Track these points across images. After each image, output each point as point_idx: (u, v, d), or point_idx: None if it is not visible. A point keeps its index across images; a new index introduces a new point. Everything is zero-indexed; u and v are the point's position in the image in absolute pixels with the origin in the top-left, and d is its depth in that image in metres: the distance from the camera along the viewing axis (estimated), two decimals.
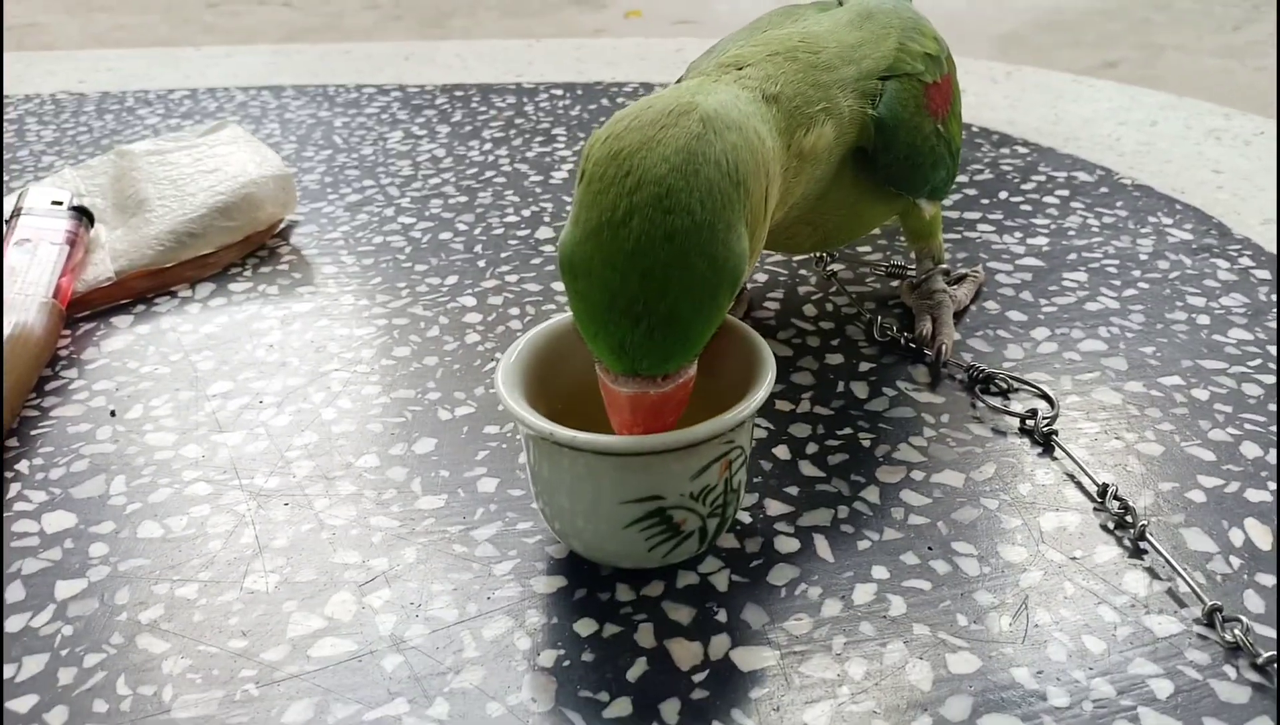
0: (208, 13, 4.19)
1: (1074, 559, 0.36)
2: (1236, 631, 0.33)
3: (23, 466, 0.43)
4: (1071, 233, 0.58)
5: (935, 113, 0.44)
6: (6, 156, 0.75)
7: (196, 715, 0.32)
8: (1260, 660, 0.32)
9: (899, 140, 0.42)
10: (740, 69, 0.37)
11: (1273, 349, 0.47)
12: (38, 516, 0.41)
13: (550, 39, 0.96)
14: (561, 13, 4.05)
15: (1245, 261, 0.55)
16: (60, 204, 0.56)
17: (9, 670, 0.34)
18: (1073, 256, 0.55)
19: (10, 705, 0.33)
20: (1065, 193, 0.62)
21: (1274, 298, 0.51)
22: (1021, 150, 0.67)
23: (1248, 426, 0.43)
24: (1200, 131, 0.70)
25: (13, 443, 0.45)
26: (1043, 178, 0.64)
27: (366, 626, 0.35)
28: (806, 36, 0.40)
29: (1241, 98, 3.03)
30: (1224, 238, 0.57)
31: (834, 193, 0.42)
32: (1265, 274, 0.53)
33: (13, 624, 0.36)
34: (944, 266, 0.51)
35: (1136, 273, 0.54)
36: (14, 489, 0.42)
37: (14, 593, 0.37)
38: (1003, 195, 0.62)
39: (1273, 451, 0.41)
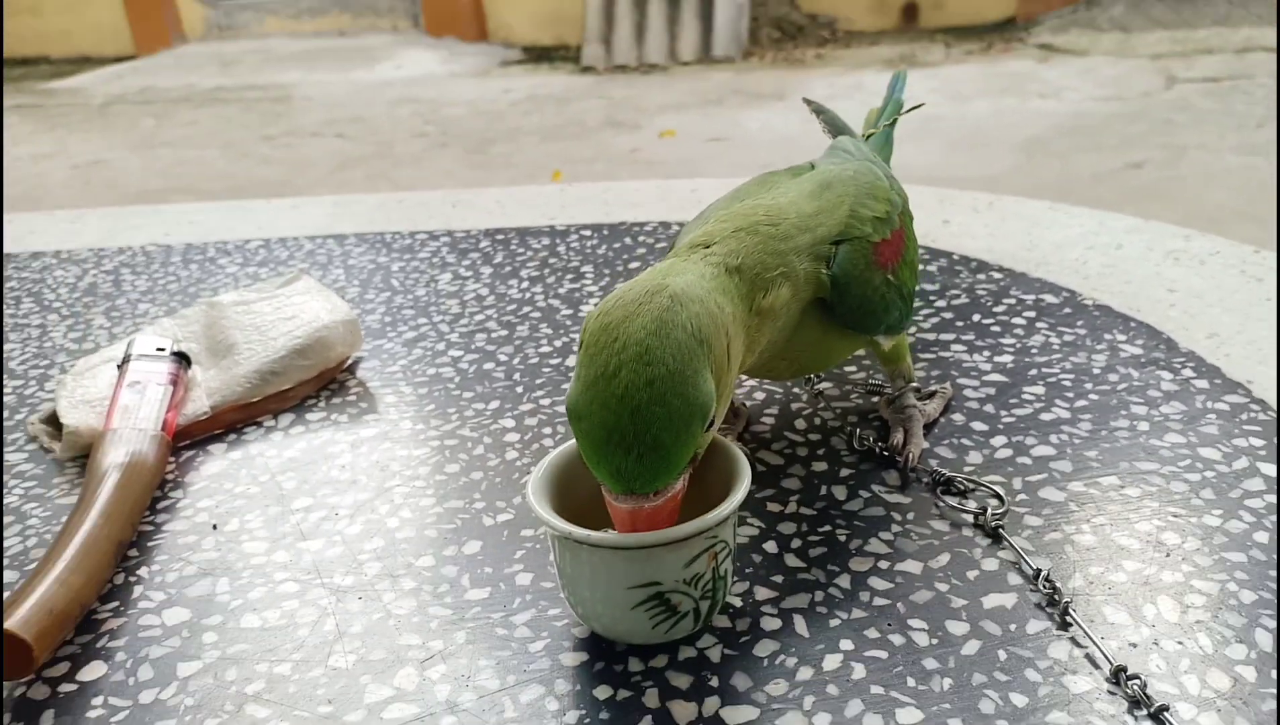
0: (264, 145, 4.44)
1: (1009, 631, 0.44)
2: (1135, 686, 0.40)
3: (143, 572, 0.52)
4: (1034, 351, 0.66)
5: (884, 265, 0.52)
6: (106, 304, 0.87)
7: None
8: (1153, 709, 0.39)
9: (851, 293, 0.50)
10: (708, 246, 0.47)
11: (1202, 451, 0.55)
12: (159, 612, 0.49)
13: (581, 182, 1.07)
14: (598, 135, 4.24)
15: (1188, 373, 0.62)
16: (163, 350, 0.66)
17: None
18: (1033, 372, 0.63)
19: None
20: (1032, 314, 0.70)
21: (1209, 404, 0.59)
22: (996, 275, 0.76)
23: (1170, 518, 0.50)
24: (1160, 253, 0.79)
25: (133, 553, 0.54)
26: (1013, 301, 0.72)
27: (426, 694, 0.43)
28: (770, 209, 0.50)
29: (1264, 193, 3.11)
30: (1170, 351, 0.65)
31: (802, 334, 0.51)
32: (1204, 383, 0.61)
33: (145, 697, 0.44)
34: (915, 384, 0.59)
35: (1089, 386, 0.62)
36: (137, 590, 0.51)
37: (145, 673, 0.46)
38: (975, 317, 0.70)
39: (1190, 538, 0.49)
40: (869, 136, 0.69)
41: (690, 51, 5.37)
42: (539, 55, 5.89)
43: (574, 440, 0.47)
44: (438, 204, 1.04)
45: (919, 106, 0.71)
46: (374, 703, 0.43)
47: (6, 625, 0.44)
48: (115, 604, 0.50)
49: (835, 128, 0.68)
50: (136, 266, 0.94)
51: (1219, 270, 0.75)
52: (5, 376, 0.75)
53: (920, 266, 0.78)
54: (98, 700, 0.45)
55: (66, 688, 0.45)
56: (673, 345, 0.39)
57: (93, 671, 0.46)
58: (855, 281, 0.50)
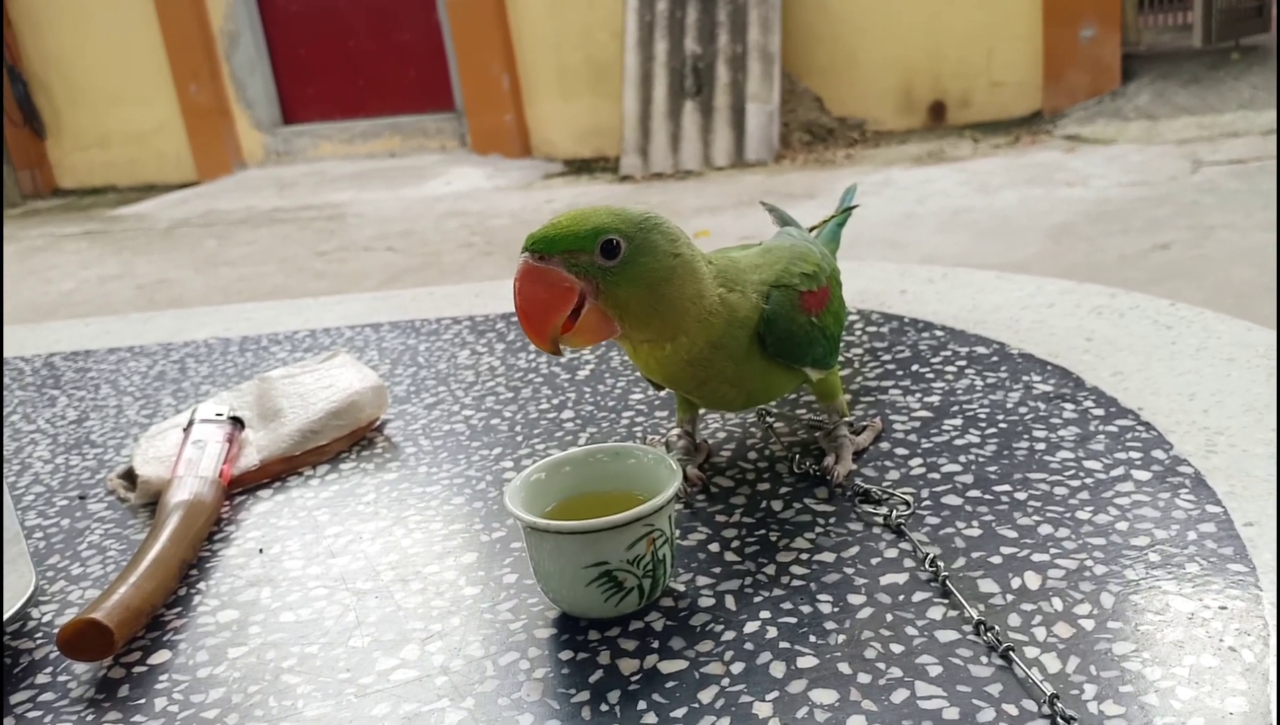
0: (318, 260, 4.67)
1: (897, 601, 0.54)
2: (990, 635, 0.50)
3: (201, 585, 0.64)
4: (959, 392, 0.76)
5: (809, 310, 0.64)
6: (173, 387, 1.00)
7: (318, 714, 0.51)
8: (1001, 650, 0.49)
9: (778, 327, 0.62)
10: None
11: (1087, 463, 0.65)
12: (214, 613, 0.61)
13: None
14: None
15: (1088, 404, 0.72)
16: (221, 415, 0.79)
17: (203, 697, 0.53)
18: (955, 408, 0.74)
19: (204, 714, 0.52)
20: (964, 362, 0.81)
21: (1101, 428, 0.69)
22: (939, 333, 0.87)
23: (1049, 515, 0.60)
24: (1086, 309, 0.89)
25: (194, 572, 0.65)
26: (949, 353, 0.83)
27: (425, 662, 0.54)
28: (730, 258, 0.64)
29: None
30: (1077, 388, 0.75)
31: (748, 365, 0.63)
32: (1100, 411, 0.71)
33: (202, 673, 0.55)
34: (848, 419, 0.70)
35: (1000, 417, 0.72)
36: (196, 598, 0.62)
37: (201, 656, 0.57)
38: (914, 367, 0.81)
39: (1062, 528, 0.58)
40: (813, 230, 0.81)
41: (724, 158, 5.58)
42: (579, 167, 6.15)
43: (543, 461, 0.59)
44: (462, 295, 1.17)
45: (855, 207, 0.84)
46: (383, 669, 0.54)
47: (94, 616, 0.56)
48: (178, 609, 0.62)
49: (784, 221, 0.80)
50: (199, 356, 1.08)
51: (1134, 321, 0.85)
52: (88, 446, 0.88)
53: (873, 328, 0.89)
54: (164, 677, 0.56)
55: (139, 669, 0.57)
56: (628, 206, 0.55)
57: (159, 657, 0.57)
58: (783, 318, 0.62)
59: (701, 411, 0.75)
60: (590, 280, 0.56)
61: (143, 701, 0.54)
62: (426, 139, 6.75)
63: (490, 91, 6.31)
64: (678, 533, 0.62)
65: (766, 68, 5.58)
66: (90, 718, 0.53)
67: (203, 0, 6.70)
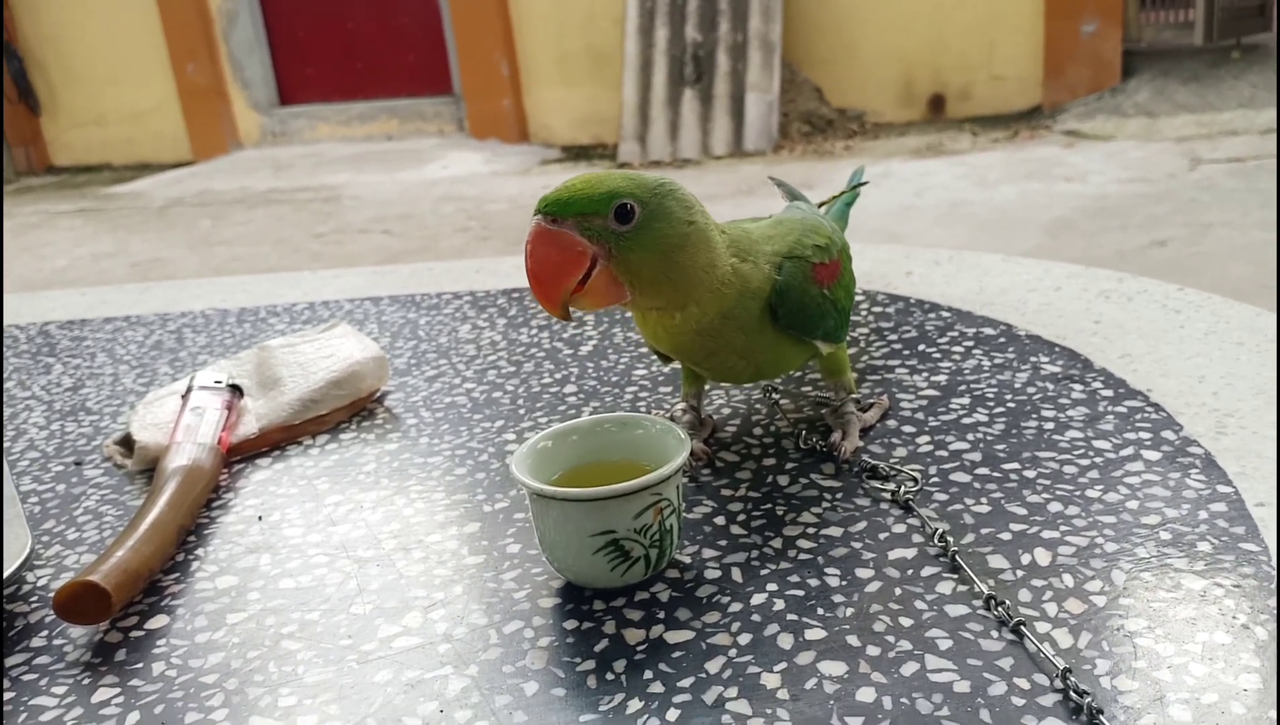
0: (314, 241, 4.65)
1: (905, 575, 0.53)
2: (1001, 610, 0.49)
3: (200, 551, 0.63)
4: (967, 371, 0.75)
5: (821, 282, 0.63)
6: (170, 356, 0.99)
7: (319, 680, 0.50)
8: (1012, 624, 0.48)
9: (791, 298, 0.61)
10: None
11: (1096, 443, 0.64)
12: (212, 579, 0.60)
13: None
14: None
15: (1097, 385, 0.72)
16: (220, 382, 0.78)
17: (201, 662, 0.53)
18: (962, 387, 0.73)
19: (202, 679, 0.51)
20: (970, 343, 0.80)
21: (1110, 408, 0.68)
22: (945, 315, 0.86)
23: (1059, 493, 0.59)
24: (1094, 292, 0.88)
25: (192, 539, 0.65)
26: (956, 334, 0.82)
27: (427, 629, 0.53)
28: (743, 229, 0.63)
29: None
30: (1085, 369, 0.74)
31: (759, 337, 0.62)
32: (1109, 392, 0.70)
33: (200, 638, 0.55)
34: (855, 396, 0.69)
35: (1008, 396, 0.71)
36: (195, 564, 0.62)
37: (199, 622, 0.56)
38: (921, 347, 0.80)
39: (1072, 507, 0.58)
40: (822, 205, 0.80)
41: (723, 147, 5.56)
42: (577, 153, 6.13)
43: (548, 430, 0.58)
44: (463, 270, 1.16)
45: (865, 183, 0.83)
46: (385, 637, 0.53)
47: (92, 578, 0.55)
48: (176, 575, 0.61)
49: (793, 195, 0.79)
50: (196, 327, 1.07)
51: (1142, 305, 0.84)
52: (83, 413, 0.87)
53: (879, 309, 0.89)
54: (161, 642, 0.55)
55: (136, 634, 0.56)
56: (657, 179, 0.55)
57: (157, 622, 0.57)
58: (794, 289, 0.61)
59: (708, 386, 0.74)
60: (603, 244, 0.55)
61: (140, 666, 0.53)
62: (424, 122, 6.72)
63: (489, 76, 6.29)
64: (685, 507, 0.61)
65: (767, 57, 5.56)
66: (86, 681, 0.52)
67: None
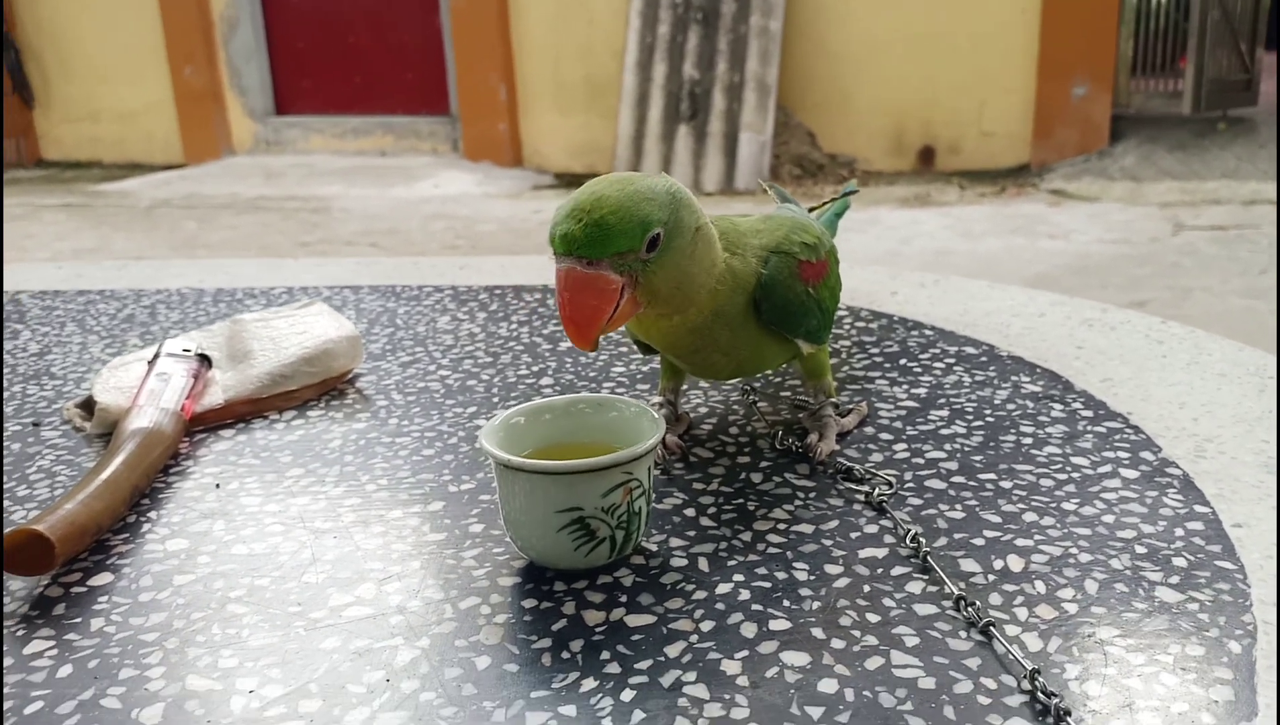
0: (300, 249, 4.62)
1: (875, 573, 0.52)
2: (970, 610, 0.48)
3: (152, 514, 0.61)
4: (947, 386, 0.75)
5: (807, 280, 0.62)
6: (141, 330, 0.97)
7: (263, 644, 0.48)
8: (981, 625, 0.47)
9: (775, 292, 0.60)
10: None
11: (1074, 459, 0.63)
12: (162, 542, 0.58)
13: None
14: None
15: (1077, 405, 0.71)
16: (189, 351, 0.76)
17: (142, 620, 0.51)
18: (942, 401, 0.72)
19: (142, 637, 0.49)
20: (952, 360, 0.79)
21: (1089, 428, 0.67)
22: (928, 332, 0.85)
23: (1034, 504, 0.58)
24: (1077, 320, 0.88)
25: (145, 501, 0.63)
26: (938, 351, 0.81)
27: (381, 601, 0.51)
28: (733, 223, 0.62)
29: (1264, 333, 3.20)
30: (1066, 390, 0.73)
31: (742, 332, 0.61)
32: (1089, 413, 0.69)
33: (144, 597, 0.53)
34: (834, 401, 0.68)
35: (987, 412, 0.70)
36: (146, 526, 0.60)
37: (145, 582, 0.54)
38: (903, 362, 0.79)
39: (1047, 517, 0.57)
40: (813, 210, 0.80)
41: (714, 184, 5.58)
42: (570, 181, 6.13)
43: (518, 406, 0.57)
44: (446, 266, 1.15)
45: (856, 192, 0.82)
46: (336, 605, 0.51)
47: (37, 527, 0.53)
48: (125, 534, 0.59)
49: (784, 198, 0.78)
50: (171, 303, 1.05)
51: (1125, 334, 0.84)
52: (47, 377, 0.85)
53: (862, 324, 0.88)
54: (103, 598, 0.53)
55: (77, 590, 0.54)
56: (647, 179, 0.52)
57: (100, 579, 0.55)
58: (780, 284, 0.60)
59: (685, 384, 0.73)
60: (630, 275, 0.53)
61: (78, 621, 0.51)
62: (419, 140, 6.72)
63: (486, 99, 6.30)
64: (654, 496, 0.60)
65: (762, 99, 5.60)
66: (20, 633, 0.50)
67: None
